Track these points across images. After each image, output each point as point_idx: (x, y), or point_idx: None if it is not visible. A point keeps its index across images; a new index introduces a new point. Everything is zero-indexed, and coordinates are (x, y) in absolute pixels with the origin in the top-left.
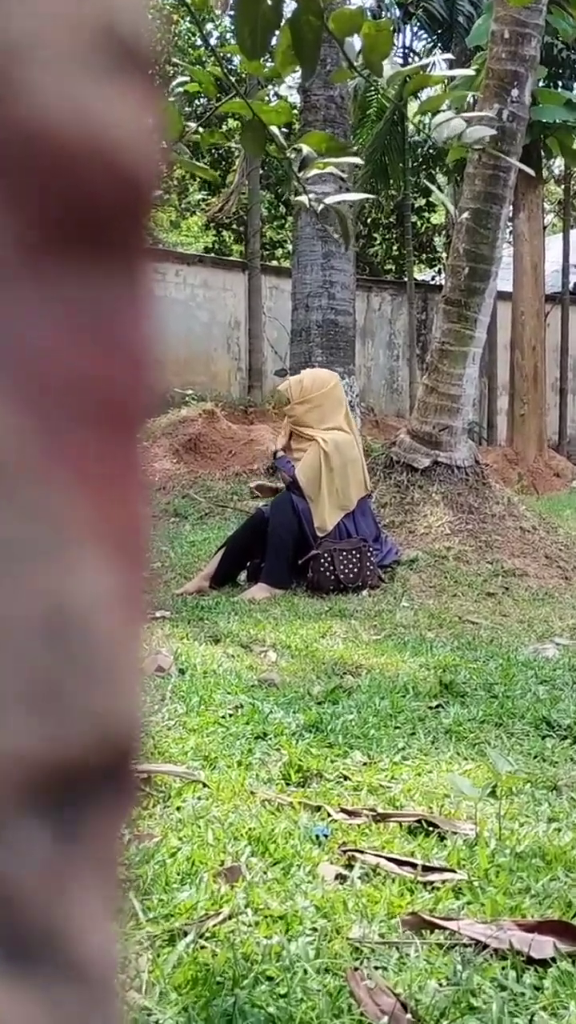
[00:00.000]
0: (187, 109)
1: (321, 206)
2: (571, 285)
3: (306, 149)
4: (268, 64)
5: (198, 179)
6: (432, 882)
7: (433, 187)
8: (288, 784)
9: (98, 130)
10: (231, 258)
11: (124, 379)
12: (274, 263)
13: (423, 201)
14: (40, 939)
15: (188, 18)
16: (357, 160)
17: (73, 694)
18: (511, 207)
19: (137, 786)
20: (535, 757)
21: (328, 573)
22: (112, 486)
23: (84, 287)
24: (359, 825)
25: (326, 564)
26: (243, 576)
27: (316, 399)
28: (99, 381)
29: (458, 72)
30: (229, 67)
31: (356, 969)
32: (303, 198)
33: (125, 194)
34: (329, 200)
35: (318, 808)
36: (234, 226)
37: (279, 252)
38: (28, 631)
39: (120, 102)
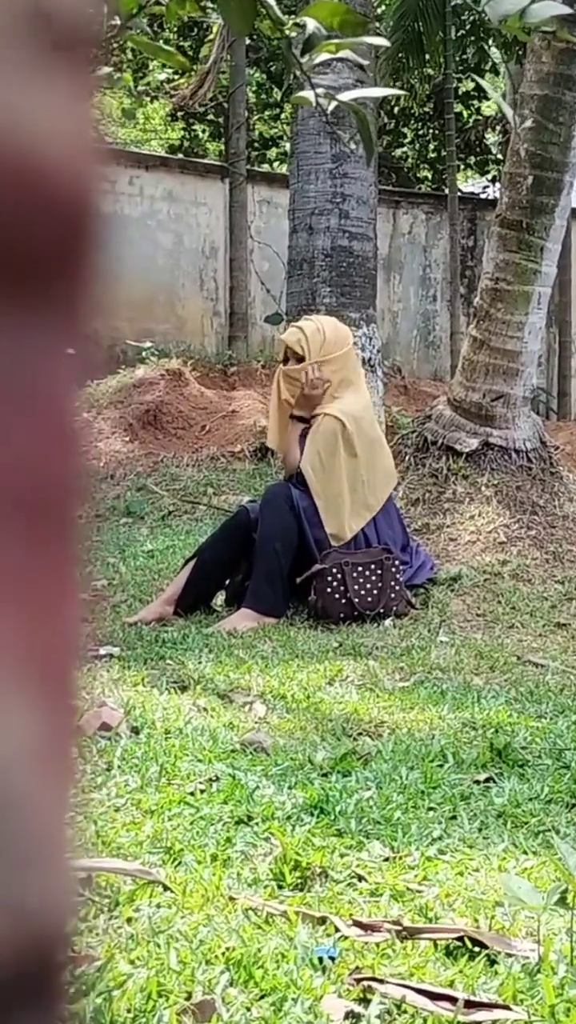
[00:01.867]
0: None
1: (332, 104)
2: None
3: (311, 25)
4: None
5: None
6: (479, 1023)
7: (484, 71)
8: (281, 887)
9: (26, 145)
10: (206, 160)
11: (53, 460)
12: (265, 168)
13: (471, 85)
14: None
15: None
16: (381, 40)
17: None
18: None
19: (64, 1004)
20: None
21: (338, 596)
22: (38, 601)
23: (4, 340)
24: (378, 944)
25: (335, 583)
26: (220, 599)
27: (339, 359)
28: (23, 463)
29: None
30: None
31: None
32: (307, 93)
33: (58, 226)
34: (344, 97)
35: (322, 920)
36: (210, 117)
37: (272, 153)
38: None
39: (52, 101)
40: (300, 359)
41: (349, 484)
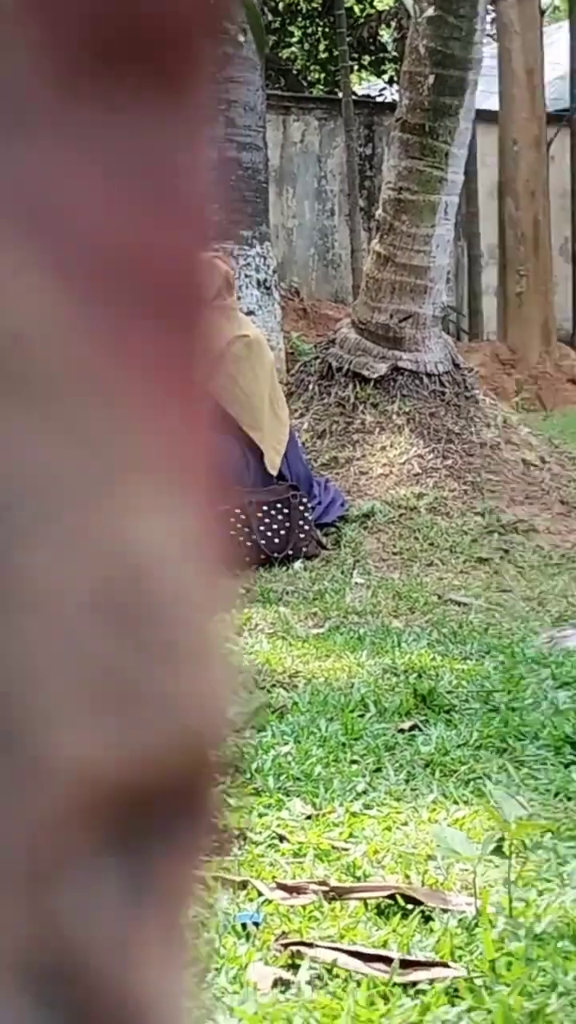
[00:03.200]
0: None
1: None
2: None
3: None
4: None
5: None
6: (416, 983)
7: None
8: None
9: None
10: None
11: (184, 252)
12: None
13: None
14: (109, 1018)
15: None
16: None
17: (141, 682)
18: None
19: (215, 814)
20: (556, 795)
21: (242, 538)
22: (174, 396)
23: (134, 128)
24: (305, 906)
25: (239, 525)
26: None
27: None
28: (156, 254)
29: None
30: None
31: None
32: None
33: None
34: None
35: (244, 885)
36: None
37: None
38: (80, 598)
39: None
40: None
41: (271, 406)
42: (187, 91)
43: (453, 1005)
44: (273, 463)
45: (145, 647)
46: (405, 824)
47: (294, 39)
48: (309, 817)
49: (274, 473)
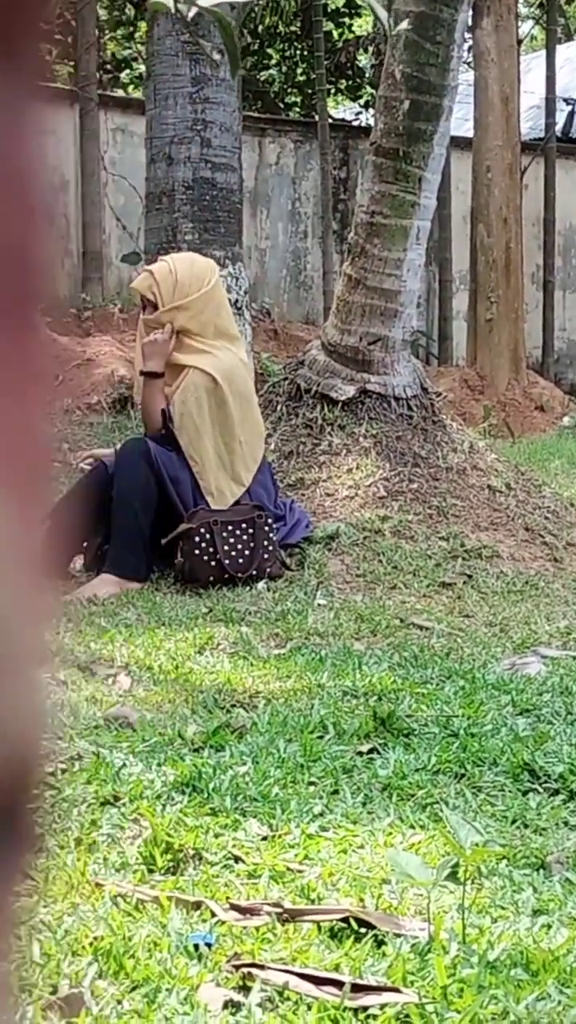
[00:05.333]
0: None
1: (193, 10)
2: (558, 127)
3: None
4: None
5: None
6: (367, 1008)
7: None
8: (152, 871)
9: None
10: (52, 84)
11: (15, 231)
12: (119, 92)
13: (341, 0)
14: None
15: None
16: None
17: None
18: (471, 10)
19: (34, 827)
20: (513, 822)
21: (207, 557)
22: (4, 391)
23: None
24: (258, 928)
25: (204, 544)
26: (78, 564)
27: (198, 302)
28: None
29: None
30: None
31: None
32: None
33: None
34: (204, 2)
35: (197, 905)
36: (57, 36)
37: (126, 76)
38: None
39: None
40: (156, 306)
41: (226, 445)
42: (17, 60)
43: None
44: (211, 493)
45: None
46: (361, 847)
47: (272, 62)
48: (265, 838)
49: (218, 506)
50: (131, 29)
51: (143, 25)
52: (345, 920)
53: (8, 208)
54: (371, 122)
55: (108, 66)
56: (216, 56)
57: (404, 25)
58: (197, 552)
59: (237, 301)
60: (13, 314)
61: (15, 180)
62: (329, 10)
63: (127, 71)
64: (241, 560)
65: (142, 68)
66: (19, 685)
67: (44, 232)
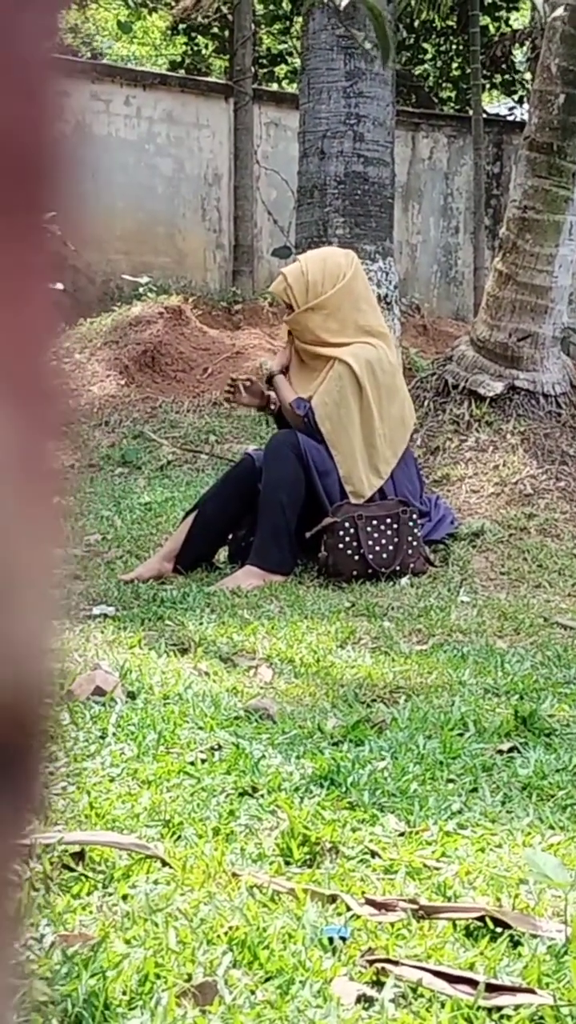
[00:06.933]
0: None
1: (345, 1)
2: None
3: None
4: None
5: None
6: (501, 1008)
7: None
8: (288, 863)
9: None
10: (209, 79)
11: (19, 117)
12: (273, 87)
13: None
14: None
15: None
16: None
17: None
18: None
19: (40, 776)
20: None
21: (351, 552)
22: (6, 295)
23: None
24: (393, 924)
25: (348, 539)
26: (223, 555)
27: (333, 299)
28: None
29: None
30: None
31: None
32: None
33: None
34: None
35: (333, 898)
36: (214, 30)
37: (280, 70)
38: None
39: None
40: (288, 305)
41: (365, 438)
42: None
43: None
44: (351, 484)
45: None
46: (499, 846)
47: (427, 56)
48: (402, 834)
49: (356, 499)
50: (287, 24)
51: (299, 20)
52: (481, 919)
53: (5, 98)
54: (525, 117)
55: (263, 60)
56: (367, 46)
57: (560, 12)
58: (341, 546)
59: (387, 296)
60: (9, 216)
61: (17, 68)
62: (486, 4)
63: (282, 65)
64: (385, 555)
65: (297, 62)
66: (18, 603)
67: (49, 132)
